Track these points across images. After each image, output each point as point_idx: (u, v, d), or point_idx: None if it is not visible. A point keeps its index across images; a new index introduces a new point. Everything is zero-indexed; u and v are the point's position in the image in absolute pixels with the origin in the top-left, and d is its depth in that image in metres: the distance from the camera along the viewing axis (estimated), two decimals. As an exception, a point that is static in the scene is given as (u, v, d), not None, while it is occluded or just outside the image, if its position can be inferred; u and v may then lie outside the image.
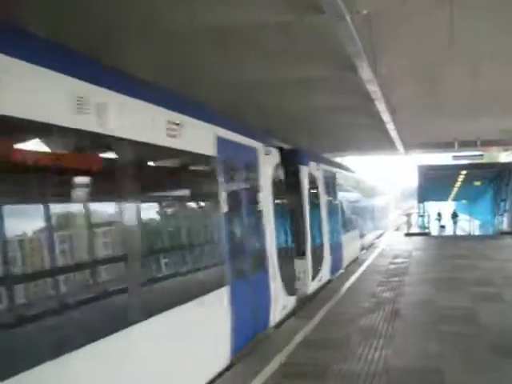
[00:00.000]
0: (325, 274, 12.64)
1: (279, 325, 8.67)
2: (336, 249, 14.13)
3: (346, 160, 31.67)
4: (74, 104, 3.99)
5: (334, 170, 15.82)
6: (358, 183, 22.11)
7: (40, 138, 3.88)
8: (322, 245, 12.58)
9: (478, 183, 30.92)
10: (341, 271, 14.85)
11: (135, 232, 4.85)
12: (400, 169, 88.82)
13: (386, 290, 11.68)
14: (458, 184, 33.18)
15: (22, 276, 3.66)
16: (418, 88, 12.41)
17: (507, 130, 19.76)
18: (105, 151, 4.68)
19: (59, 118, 3.83)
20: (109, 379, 4.20)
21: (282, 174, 9.84)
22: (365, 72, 10.43)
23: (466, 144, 21.56)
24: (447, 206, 40.44)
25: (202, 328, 5.90)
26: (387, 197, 40.39)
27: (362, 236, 20.81)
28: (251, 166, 8.17)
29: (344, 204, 16.86)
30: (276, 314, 8.57)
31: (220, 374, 6.20)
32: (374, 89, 11.72)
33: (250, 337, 7.36)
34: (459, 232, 34.82)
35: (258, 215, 8.21)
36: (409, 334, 7.94)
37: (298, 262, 10.48)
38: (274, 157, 9.44)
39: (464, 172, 27.84)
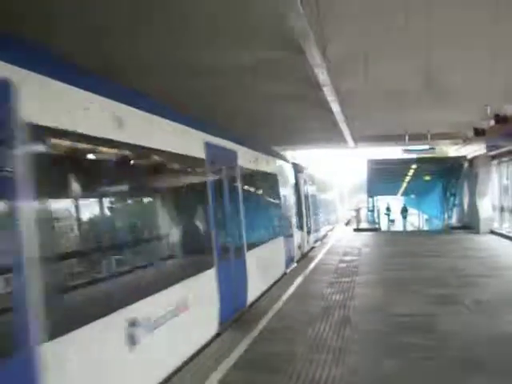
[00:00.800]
0: (311, 242, 20.11)
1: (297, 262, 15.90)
2: (317, 227, 22.91)
3: (299, 154, 30.97)
4: (253, 159, 11.44)
5: (311, 173, 23.42)
6: (323, 182, 30.46)
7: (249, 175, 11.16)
8: (310, 223, 20.10)
9: (427, 178, 30.67)
10: (319, 242, 22.68)
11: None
12: (351, 162, 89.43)
13: (336, 292, 10.85)
14: (408, 178, 32.94)
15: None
16: (368, 76, 11.50)
17: (456, 122, 19.39)
18: (262, 175, 12.50)
19: (250, 165, 11.25)
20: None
21: (294, 180, 16.97)
22: (313, 56, 9.47)
23: (416, 137, 21.00)
24: (397, 201, 40.41)
25: (279, 252, 13.41)
26: (339, 191, 48.26)
27: (329, 222, 31.63)
28: (290, 178, 16.31)
29: (318, 198, 25.08)
30: (296, 257, 15.94)
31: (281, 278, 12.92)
32: (322, 75, 10.77)
33: (289, 265, 14.31)
34: (409, 227, 34.73)
35: (292, 203, 16.06)
36: (361, 347, 7.05)
37: (300, 233, 17.22)
38: (292, 170, 16.92)
39: (414, 166, 27.43)
